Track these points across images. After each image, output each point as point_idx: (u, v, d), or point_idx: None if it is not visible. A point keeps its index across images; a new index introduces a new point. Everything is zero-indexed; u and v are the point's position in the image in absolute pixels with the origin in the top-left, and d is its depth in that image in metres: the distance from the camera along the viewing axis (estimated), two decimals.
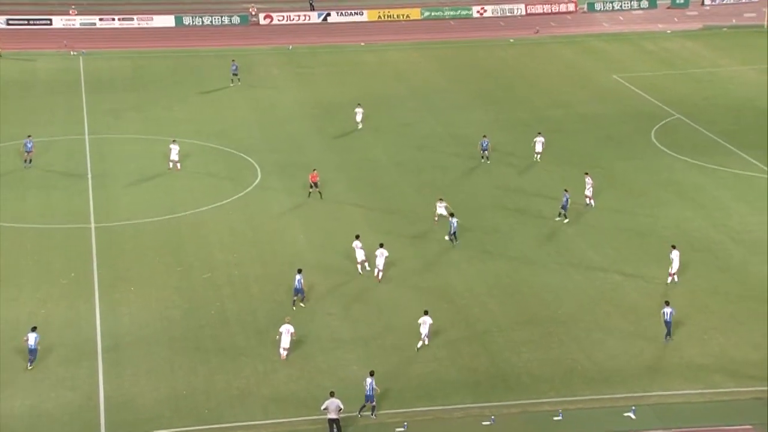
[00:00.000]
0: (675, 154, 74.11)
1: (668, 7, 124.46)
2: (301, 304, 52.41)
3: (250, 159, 73.19)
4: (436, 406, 44.55)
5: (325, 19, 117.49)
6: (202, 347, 48.91)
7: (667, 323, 49.24)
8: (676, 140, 77.18)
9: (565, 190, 62.98)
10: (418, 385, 46.01)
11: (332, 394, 42.67)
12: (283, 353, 47.74)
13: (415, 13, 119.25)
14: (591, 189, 64.44)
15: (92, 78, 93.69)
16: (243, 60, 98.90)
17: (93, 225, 62.19)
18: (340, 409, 42.32)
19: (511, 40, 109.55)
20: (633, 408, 43.99)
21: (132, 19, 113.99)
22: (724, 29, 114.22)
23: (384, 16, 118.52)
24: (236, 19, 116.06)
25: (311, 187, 65.86)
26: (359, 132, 78.93)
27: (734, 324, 51.09)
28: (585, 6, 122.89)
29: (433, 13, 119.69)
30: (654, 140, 77.25)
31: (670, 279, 54.88)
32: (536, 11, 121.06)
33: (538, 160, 72.04)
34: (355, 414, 43.59)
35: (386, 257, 55.26)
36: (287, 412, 44.08)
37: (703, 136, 78.40)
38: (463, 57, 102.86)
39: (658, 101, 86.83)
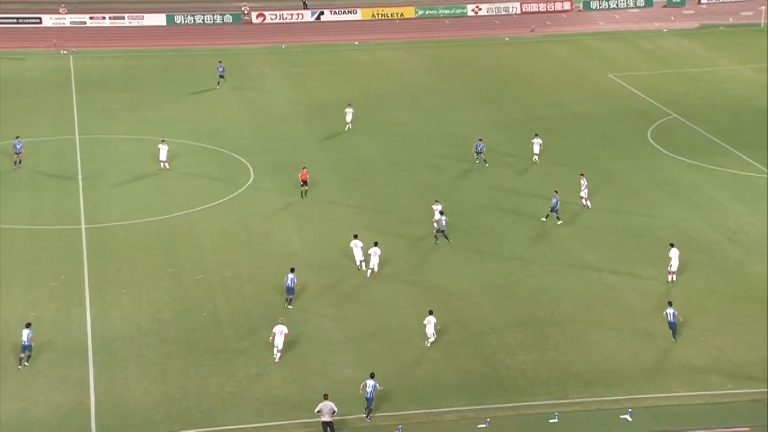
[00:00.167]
0: (671, 154, 73.79)
1: (664, 6, 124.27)
2: (288, 306, 51.97)
3: (242, 159, 72.80)
4: (431, 409, 44.22)
5: (318, 17, 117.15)
6: (194, 349, 48.55)
7: (672, 324, 48.97)
8: (672, 140, 76.88)
9: (555, 191, 62.62)
10: (412, 387, 45.67)
11: (326, 397, 42.42)
12: (277, 354, 47.35)
13: (409, 12, 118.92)
14: (586, 190, 64.11)
15: (82, 77, 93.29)
16: (235, 59, 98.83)
17: (84, 226, 61.77)
18: (334, 412, 42.03)
19: (506, 39, 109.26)
20: (629, 410, 43.68)
21: (123, 18, 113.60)
22: (721, 28, 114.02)
23: (378, 15, 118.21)
24: (228, 18, 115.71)
25: (302, 185, 65.46)
26: (353, 132, 78.51)
27: (731, 325, 50.81)
28: (580, 4, 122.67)
29: (427, 12, 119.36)
30: (650, 140, 76.94)
31: (670, 278, 54.49)
32: (531, 10, 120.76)
33: (537, 161, 71.57)
34: (348, 417, 43.18)
35: (379, 255, 55.13)
36: (280, 415, 43.74)
37: (700, 135, 78.10)
38: (458, 56, 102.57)
39: (655, 100, 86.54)
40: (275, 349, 47.35)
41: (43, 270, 56.15)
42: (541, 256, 58.18)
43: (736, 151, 74.14)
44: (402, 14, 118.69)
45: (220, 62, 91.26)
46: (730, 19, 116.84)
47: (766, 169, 70.38)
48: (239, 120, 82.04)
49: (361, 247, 56.05)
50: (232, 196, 66.50)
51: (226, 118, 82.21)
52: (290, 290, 52.18)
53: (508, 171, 70.85)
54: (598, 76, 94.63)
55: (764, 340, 49.21)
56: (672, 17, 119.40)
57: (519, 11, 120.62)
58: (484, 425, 42.97)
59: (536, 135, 72.70)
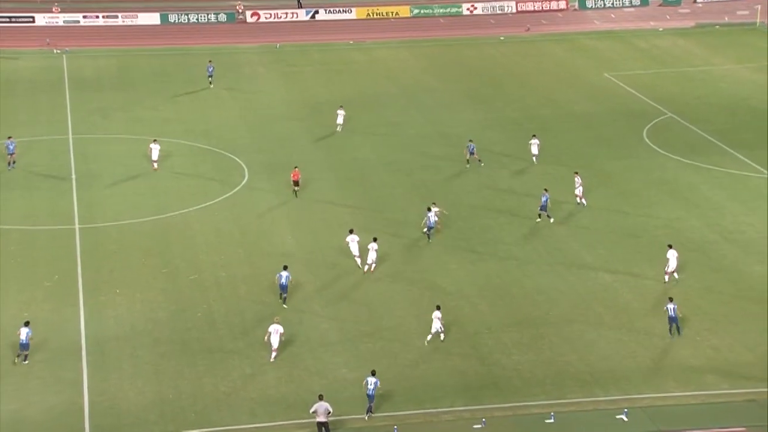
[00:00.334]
0: (667, 154, 73.67)
1: (660, 5, 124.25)
2: (284, 305, 51.85)
3: (237, 159, 72.59)
4: (426, 409, 44.05)
5: (313, 16, 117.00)
6: (189, 350, 48.36)
7: (673, 318, 49.04)
8: (668, 139, 76.76)
9: (545, 190, 62.48)
10: (407, 387, 45.50)
11: (321, 397, 42.30)
12: (273, 353, 47.19)
13: (404, 11, 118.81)
14: (581, 188, 63.93)
15: (76, 76, 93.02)
16: (230, 58, 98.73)
17: (77, 226, 61.53)
18: (329, 412, 41.90)
19: (502, 38, 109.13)
20: (625, 410, 43.55)
21: (116, 17, 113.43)
22: (717, 27, 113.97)
23: (373, 14, 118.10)
24: (223, 17, 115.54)
25: (294, 185, 65.34)
26: (348, 132, 78.27)
27: (727, 325, 50.69)
28: (576, 3, 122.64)
29: (422, 11, 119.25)
30: (646, 139, 76.82)
31: (667, 278, 54.37)
32: (527, 9, 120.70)
33: (535, 162, 71.27)
34: (344, 417, 43.05)
35: (377, 251, 55.26)
36: (275, 415, 43.58)
37: (696, 135, 77.99)
38: (453, 55, 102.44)
39: (650, 100, 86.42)
40: (272, 349, 47.18)
41: (36, 270, 55.92)
42: (537, 255, 58.02)
43: (732, 151, 74.03)
44: (397, 13, 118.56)
45: (210, 62, 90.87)
46: (726, 18, 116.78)
47: (762, 169, 70.28)
48: (234, 120, 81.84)
49: (358, 242, 56.04)
50: (226, 196, 66.29)
51: (221, 118, 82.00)
52: (284, 288, 52.07)
53: (503, 171, 70.67)
54: (593, 76, 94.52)
55: (761, 339, 49.11)
56: (668, 16, 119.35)
57: (514, 10, 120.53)
58: (480, 425, 42.79)
59: (534, 136, 72.45)
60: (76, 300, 52.68)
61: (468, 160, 70.91)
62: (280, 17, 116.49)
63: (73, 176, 69.14)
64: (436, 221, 59.48)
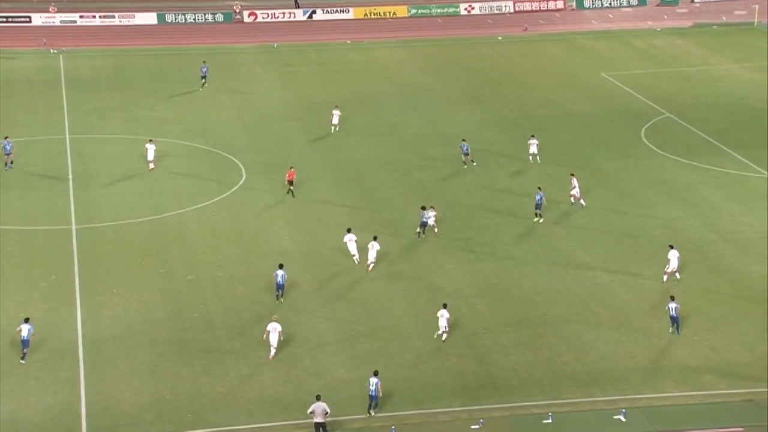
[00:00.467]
0: (665, 153, 73.59)
1: (658, 5, 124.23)
2: (278, 301, 51.96)
3: (234, 159, 72.48)
4: (424, 410, 43.96)
5: (310, 16, 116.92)
6: (186, 350, 48.25)
7: (674, 318, 49.05)
8: (666, 139, 76.70)
9: (539, 188, 62.40)
10: (405, 388, 45.41)
11: (318, 398, 42.23)
12: (272, 351, 47.20)
13: (401, 11, 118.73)
14: (577, 190, 63.84)
15: (73, 76, 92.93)
16: (227, 58, 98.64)
17: (74, 226, 61.42)
18: (327, 413, 41.83)
19: (499, 38, 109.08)
20: (623, 410, 43.45)
21: (113, 17, 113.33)
22: (714, 27, 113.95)
23: (370, 14, 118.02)
24: (220, 17, 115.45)
25: (288, 185, 65.28)
26: (346, 131, 78.17)
27: (725, 325, 50.62)
28: (574, 3, 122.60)
29: (420, 11, 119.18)
30: (644, 139, 76.75)
31: (666, 278, 54.29)
32: (525, 8, 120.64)
33: (539, 161, 71.00)
34: (341, 418, 42.95)
35: (377, 250, 55.23)
36: (273, 416, 43.48)
37: (694, 135, 77.92)
38: (451, 55, 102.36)
39: (648, 99, 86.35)
40: (271, 347, 47.16)
41: (33, 270, 55.81)
42: (535, 256, 57.94)
43: (730, 151, 73.97)
44: (394, 13, 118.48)
45: (204, 62, 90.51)
46: (724, 18, 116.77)
47: (760, 168, 70.20)
48: (231, 120, 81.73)
49: (355, 241, 56.06)
50: (223, 196, 66.18)
51: (218, 118, 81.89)
52: (280, 286, 52.09)
53: (501, 171, 70.59)
54: (591, 75, 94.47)
55: (759, 340, 49.02)
56: (665, 16, 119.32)
57: (512, 10, 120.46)
58: (477, 426, 42.72)
59: (532, 136, 72.31)
60: (72, 300, 52.56)
61: (464, 162, 70.76)
62: (278, 17, 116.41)
63: (70, 176, 69.01)
64: (433, 223, 59.38)
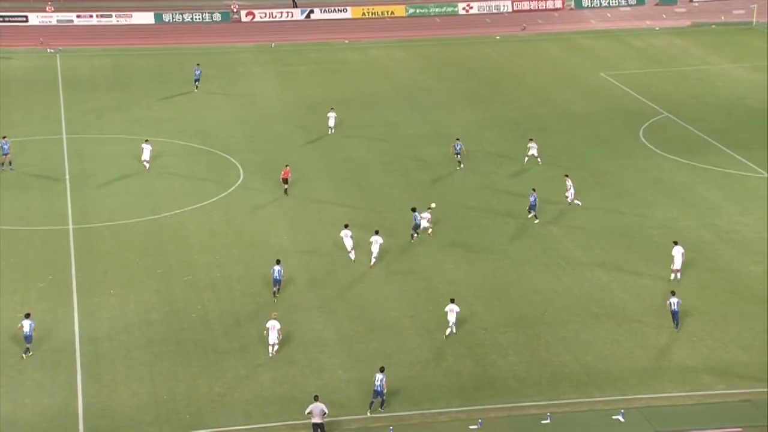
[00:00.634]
0: (663, 153, 73.52)
1: (656, 4, 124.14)
2: (275, 297, 52.07)
3: (232, 159, 72.40)
4: (422, 410, 43.92)
5: (308, 16, 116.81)
6: (183, 351, 48.17)
7: (675, 313, 49.16)
8: (664, 139, 76.62)
9: (533, 190, 62.32)
10: (402, 388, 45.33)
11: (316, 398, 42.21)
12: (271, 349, 47.19)
13: (399, 10, 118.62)
14: (572, 191, 63.73)
15: (70, 76, 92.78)
16: (224, 58, 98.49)
17: (71, 227, 61.31)
18: (325, 413, 41.78)
19: (498, 38, 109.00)
20: (622, 411, 43.44)
21: (110, 16, 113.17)
22: (713, 26, 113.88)
23: (368, 13, 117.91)
24: (217, 16, 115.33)
25: (283, 183, 65.30)
26: (344, 132, 78.04)
27: (723, 325, 50.57)
28: (572, 3, 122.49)
29: (418, 10, 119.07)
30: (642, 139, 76.67)
31: (673, 275, 54.22)
32: (523, 8, 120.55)
33: (539, 163, 70.69)
34: (340, 418, 42.92)
35: (380, 244, 55.48)
36: (270, 416, 43.42)
37: (692, 134, 77.85)
38: (449, 54, 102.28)
39: (646, 99, 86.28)
40: (270, 345, 47.17)
41: (30, 271, 55.70)
42: (533, 256, 57.87)
43: (728, 151, 73.90)
44: (392, 13, 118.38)
45: (198, 65, 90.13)
46: (722, 18, 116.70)
47: (759, 168, 70.13)
48: (229, 119, 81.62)
49: (351, 237, 56.26)
50: (221, 196, 66.09)
51: (216, 118, 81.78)
52: (277, 282, 52.25)
53: (500, 171, 70.49)
54: (589, 75, 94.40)
55: (757, 340, 48.97)
56: (664, 15, 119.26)
57: (510, 9, 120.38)
58: (475, 426, 42.68)
59: (531, 140, 71.82)
60: (70, 301, 52.47)
61: (459, 161, 70.60)
62: (275, 16, 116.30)
63: (67, 176, 68.89)
64: (427, 224, 59.38)
